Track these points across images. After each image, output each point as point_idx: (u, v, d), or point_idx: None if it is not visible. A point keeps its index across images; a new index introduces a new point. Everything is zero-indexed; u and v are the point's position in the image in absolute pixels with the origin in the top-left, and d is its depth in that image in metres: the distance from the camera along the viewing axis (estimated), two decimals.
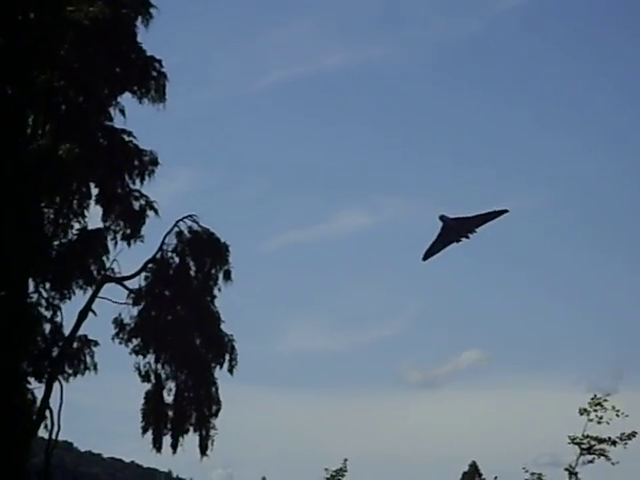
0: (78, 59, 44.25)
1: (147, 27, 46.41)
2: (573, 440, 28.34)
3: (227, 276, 47.58)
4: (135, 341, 46.71)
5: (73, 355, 46.26)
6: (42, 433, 45.65)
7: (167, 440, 46.87)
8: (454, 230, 53.48)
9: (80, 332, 46.22)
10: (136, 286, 47.18)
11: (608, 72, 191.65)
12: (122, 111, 46.23)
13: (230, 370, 47.48)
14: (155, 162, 46.88)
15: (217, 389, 47.46)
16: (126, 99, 46.37)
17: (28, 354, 44.12)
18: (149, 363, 46.92)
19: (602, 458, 28.30)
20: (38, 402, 44.63)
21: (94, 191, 46.10)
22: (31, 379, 44.54)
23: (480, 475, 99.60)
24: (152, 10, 46.35)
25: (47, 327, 45.41)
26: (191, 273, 47.65)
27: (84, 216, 45.89)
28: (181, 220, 47.86)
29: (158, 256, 47.48)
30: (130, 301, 47.05)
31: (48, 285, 45.42)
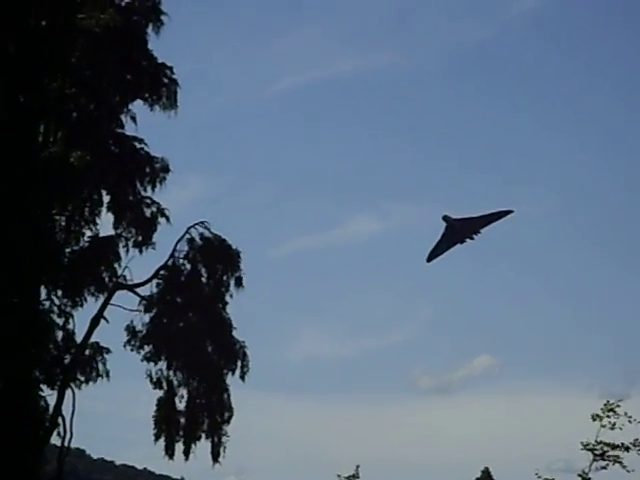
0: (89, 67, 44.35)
1: (158, 34, 46.51)
2: (586, 446, 28.23)
3: (238, 282, 47.61)
4: (147, 348, 46.76)
5: (85, 362, 46.27)
6: (55, 440, 45.72)
7: (179, 447, 46.92)
8: (458, 231, 53.14)
9: (92, 339, 46.30)
10: (148, 293, 47.32)
11: (615, 78, 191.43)
12: (133, 118, 46.35)
13: (242, 377, 47.50)
14: (166, 169, 46.95)
15: (229, 396, 47.47)
16: (137, 106, 46.53)
17: (40, 361, 44.14)
18: (161, 370, 46.99)
19: (617, 465, 28.17)
20: (50, 409, 44.63)
21: (105, 198, 46.21)
22: (43, 386, 44.53)
23: None
24: (163, 17, 46.47)
25: (59, 334, 45.42)
26: (202, 280, 47.69)
27: (96, 223, 46.00)
28: (192, 227, 47.94)
29: (169, 263, 47.53)
30: (142, 308, 47.12)
31: (60, 292, 45.45)
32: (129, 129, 46.47)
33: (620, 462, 28.18)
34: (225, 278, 47.50)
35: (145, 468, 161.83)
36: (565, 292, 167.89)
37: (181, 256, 47.58)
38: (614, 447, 28.13)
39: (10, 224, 41.69)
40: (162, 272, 47.46)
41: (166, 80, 46.62)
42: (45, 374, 44.56)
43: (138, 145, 46.71)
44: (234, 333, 47.59)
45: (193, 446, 46.95)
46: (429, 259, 53.97)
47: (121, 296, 47.06)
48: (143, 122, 46.65)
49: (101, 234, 46.48)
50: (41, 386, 44.42)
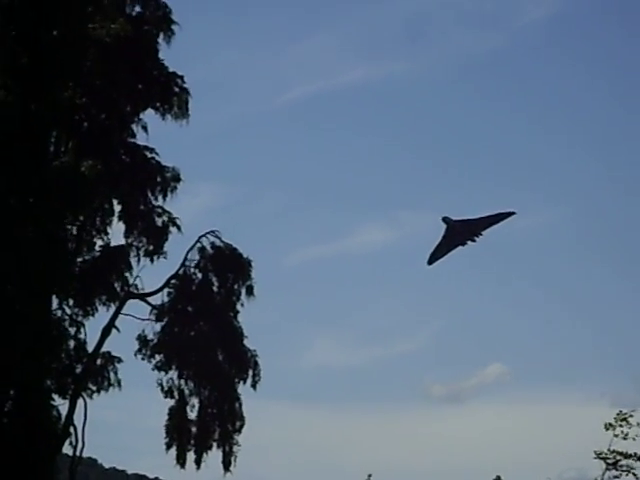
0: (101, 76, 44.42)
1: (169, 43, 46.64)
2: (599, 455, 28.15)
3: (249, 291, 47.58)
4: (158, 357, 46.73)
5: (97, 371, 46.27)
6: (66, 450, 45.73)
7: (191, 456, 46.84)
8: (458, 232, 52.65)
9: (104, 348, 46.28)
10: (159, 302, 47.29)
11: (628, 88, 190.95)
12: (145, 127, 46.40)
13: (253, 386, 47.42)
14: (177, 178, 46.95)
15: (240, 405, 47.39)
16: (149, 115, 46.56)
17: (52, 371, 44.16)
18: (172, 379, 46.96)
19: (630, 476, 28.05)
20: (62, 419, 44.62)
21: (117, 208, 46.22)
22: (55, 396, 44.54)
23: None
24: (174, 27, 46.56)
25: (71, 344, 45.43)
26: (214, 289, 47.64)
27: (107, 233, 46.06)
28: (203, 236, 47.93)
29: (181, 272, 47.51)
30: (153, 317, 47.11)
31: (71, 302, 45.49)
32: (140, 138, 46.59)
33: (633, 472, 28.06)
34: (236, 287, 47.47)
35: (157, 477, 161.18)
36: (574, 301, 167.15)
37: (192, 265, 47.57)
38: (627, 456, 28.01)
39: (22, 234, 41.76)
40: (173, 281, 47.44)
41: (177, 89, 46.65)
42: (57, 383, 44.57)
43: (149, 154, 46.74)
44: (245, 342, 47.56)
45: (204, 455, 46.90)
46: (430, 262, 53.47)
47: (132, 305, 47.15)
48: (154, 131, 46.79)
49: (112, 243, 46.57)
50: (53, 395, 44.44)
